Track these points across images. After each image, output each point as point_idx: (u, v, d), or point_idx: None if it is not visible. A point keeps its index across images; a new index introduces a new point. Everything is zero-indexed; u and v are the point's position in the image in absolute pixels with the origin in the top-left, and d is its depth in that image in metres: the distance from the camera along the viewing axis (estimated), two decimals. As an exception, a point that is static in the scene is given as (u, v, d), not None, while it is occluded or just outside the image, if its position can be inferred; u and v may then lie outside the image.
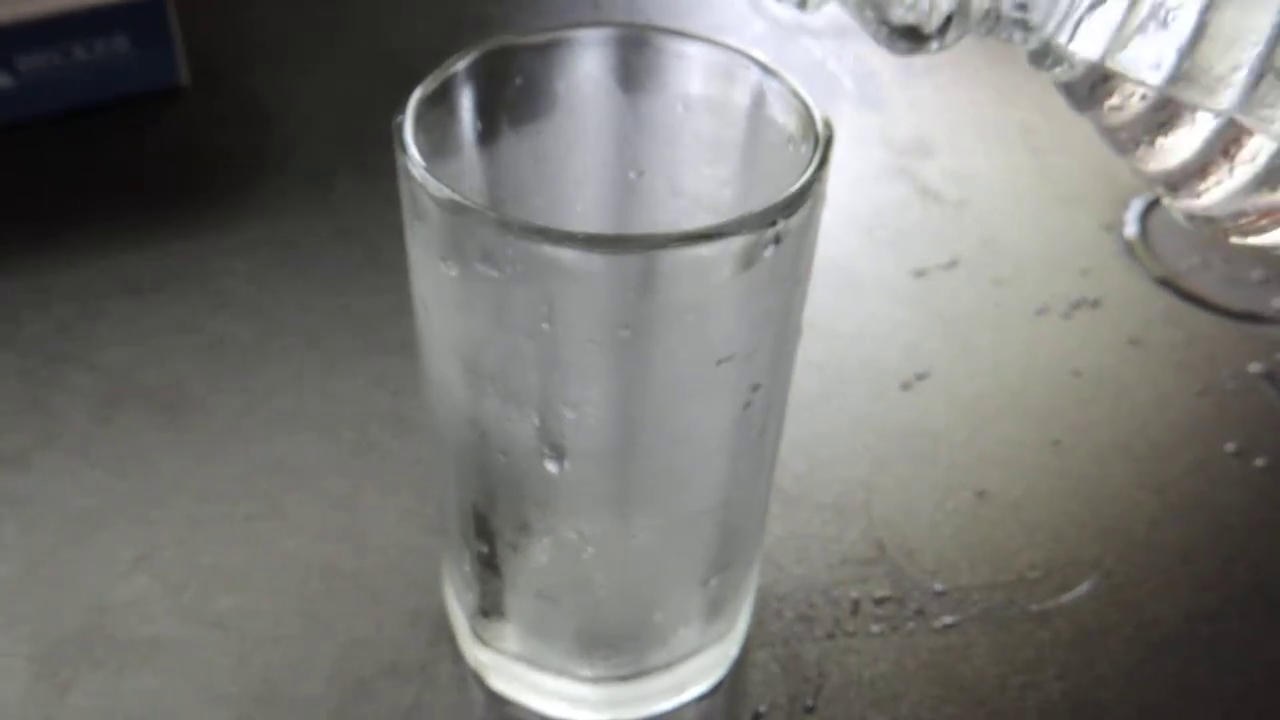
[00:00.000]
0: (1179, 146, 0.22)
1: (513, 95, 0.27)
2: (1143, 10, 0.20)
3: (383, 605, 0.32)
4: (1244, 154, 0.21)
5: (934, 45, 0.22)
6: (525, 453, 0.25)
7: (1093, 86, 0.22)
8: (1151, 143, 0.22)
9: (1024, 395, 0.39)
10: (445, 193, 0.23)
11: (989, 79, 0.53)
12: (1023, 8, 0.21)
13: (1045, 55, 0.23)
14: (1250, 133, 0.21)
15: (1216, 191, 0.22)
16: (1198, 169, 0.22)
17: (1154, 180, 0.23)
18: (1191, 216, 0.23)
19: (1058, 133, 0.50)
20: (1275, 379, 0.40)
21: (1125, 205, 0.46)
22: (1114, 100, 0.22)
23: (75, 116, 0.47)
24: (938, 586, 0.33)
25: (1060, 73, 0.23)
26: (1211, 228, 0.23)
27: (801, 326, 0.27)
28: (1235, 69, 0.20)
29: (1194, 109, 0.21)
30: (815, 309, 0.39)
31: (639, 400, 0.24)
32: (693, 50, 0.27)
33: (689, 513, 0.27)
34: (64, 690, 0.30)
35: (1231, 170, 0.21)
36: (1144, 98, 0.22)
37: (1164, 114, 0.21)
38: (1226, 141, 0.21)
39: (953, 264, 0.43)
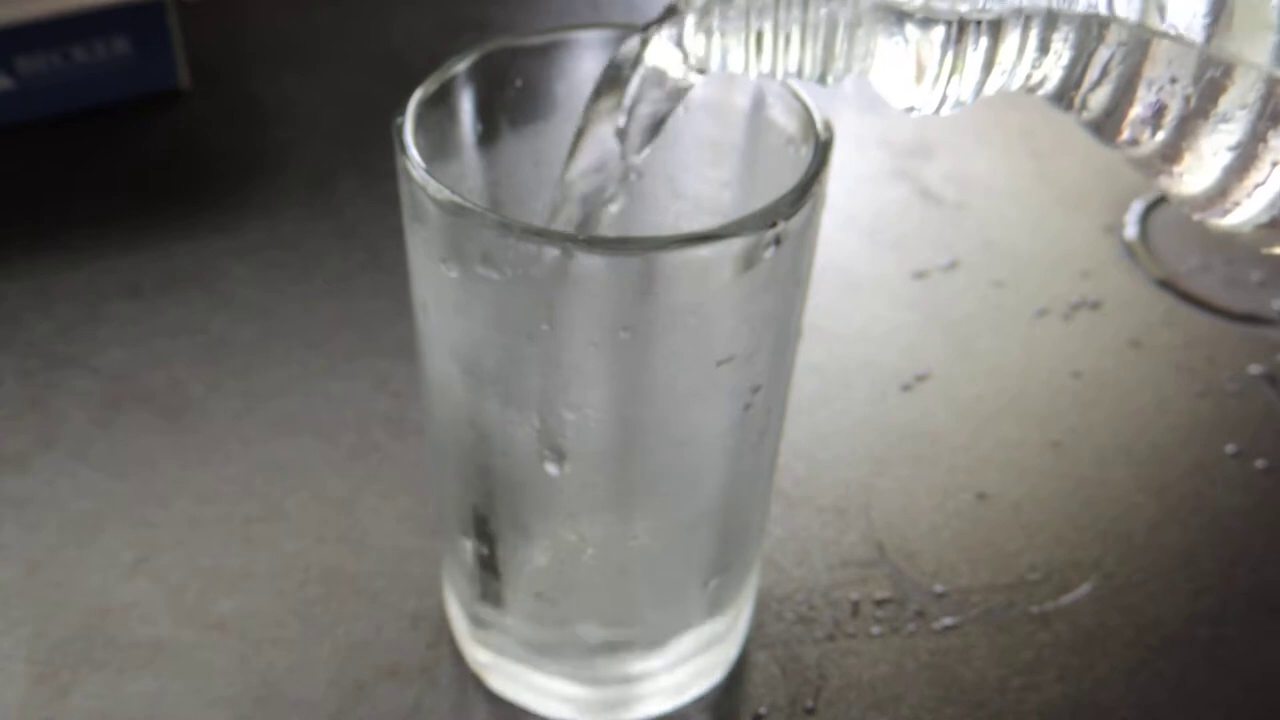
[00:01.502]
0: (1195, 177, 0.22)
1: (513, 97, 0.27)
2: None
3: (383, 607, 0.32)
4: (1257, 174, 0.21)
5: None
6: (525, 455, 0.25)
7: (1105, 124, 0.23)
8: (1170, 173, 0.22)
9: (1024, 397, 0.39)
10: (445, 194, 0.23)
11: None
12: None
13: (1061, 97, 0.23)
14: (1260, 154, 0.21)
15: (1240, 211, 0.22)
16: (1218, 194, 0.22)
17: (1180, 204, 0.23)
18: (1228, 234, 0.23)
19: (1058, 135, 0.50)
20: (1275, 381, 0.40)
21: (1126, 207, 0.46)
22: (1126, 137, 0.22)
23: (76, 118, 0.47)
24: (938, 588, 0.33)
25: (1079, 114, 0.23)
26: (1257, 239, 0.23)
27: (802, 328, 0.27)
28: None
29: (1203, 134, 0.21)
30: (816, 311, 0.39)
31: (639, 402, 0.24)
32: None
33: (689, 515, 0.27)
34: (64, 692, 0.30)
35: (1250, 193, 0.22)
36: (1155, 134, 0.22)
37: (1175, 148, 0.22)
38: (1244, 162, 0.21)
39: (953, 266, 0.43)
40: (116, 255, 0.42)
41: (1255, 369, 0.40)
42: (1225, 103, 0.21)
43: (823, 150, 0.24)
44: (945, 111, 0.23)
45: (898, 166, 0.48)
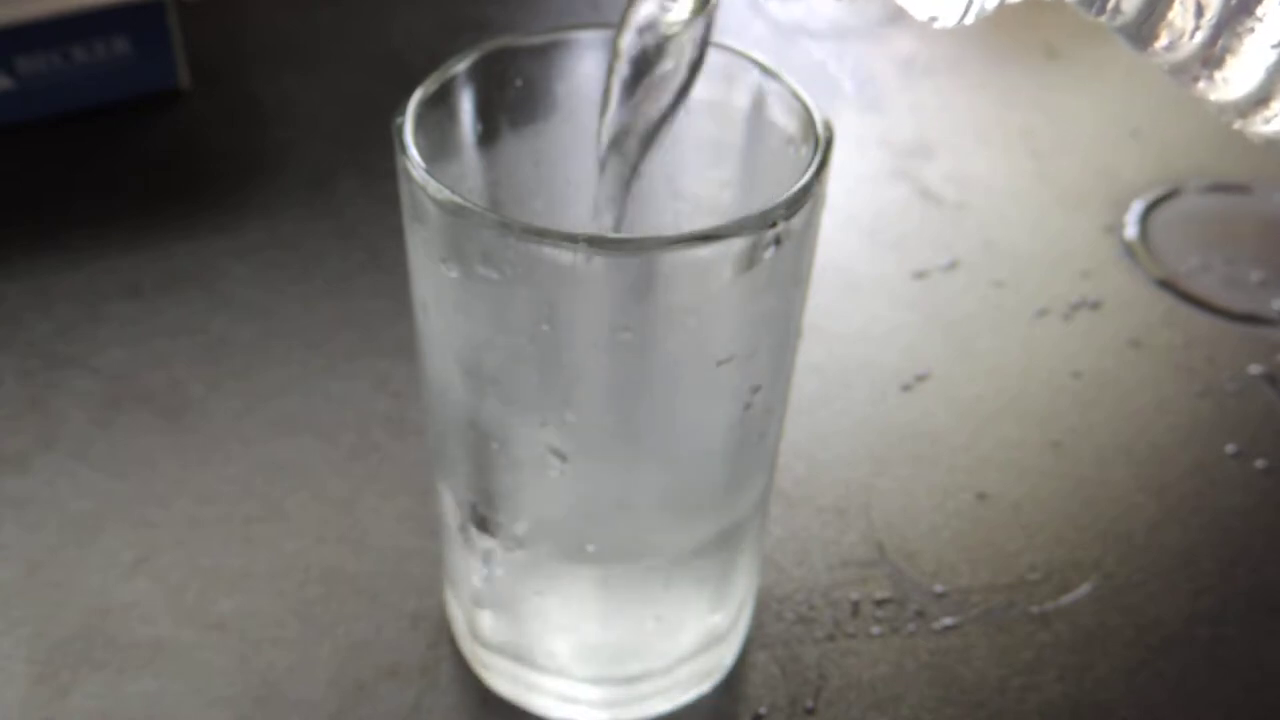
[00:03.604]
0: (1238, 79, 0.21)
1: (513, 97, 0.27)
2: None
3: (383, 607, 0.32)
4: None
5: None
6: (525, 455, 0.25)
7: (1141, 28, 0.22)
8: (1210, 78, 0.22)
9: (1024, 397, 0.39)
10: (445, 194, 0.23)
11: (989, 81, 0.53)
12: None
13: (1091, 1, 0.22)
14: None
15: None
16: (1262, 97, 0.21)
17: (1221, 111, 0.22)
18: (1271, 141, 0.22)
19: (1058, 135, 0.50)
20: (1275, 381, 0.40)
21: (1125, 207, 0.46)
22: (1163, 41, 0.22)
23: (76, 118, 0.47)
24: (938, 588, 0.33)
25: (1112, 19, 0.22)
26: None
27: (802, 328, 0.27)
28: None
29: (1246, 32, 0.20)
30: (816, 311, 0.39)
31: (639, 402, 0.24)
32: (693, 52, 0.27)
33: (689, 514, 0.27)
34: (64, 692, 0.30)
35: None
36: (1194, 35, 0.21)
37: (1216, 49, 0.21)
38: None
39: (953, 266, 0.43)
40: (116, 255, 0.42)
41: (1255, 369, 0.40)
42: None
43: (823, 150, 0.24)
44: (969, 20, 0.22)
45: (898, 166, 0.48)
